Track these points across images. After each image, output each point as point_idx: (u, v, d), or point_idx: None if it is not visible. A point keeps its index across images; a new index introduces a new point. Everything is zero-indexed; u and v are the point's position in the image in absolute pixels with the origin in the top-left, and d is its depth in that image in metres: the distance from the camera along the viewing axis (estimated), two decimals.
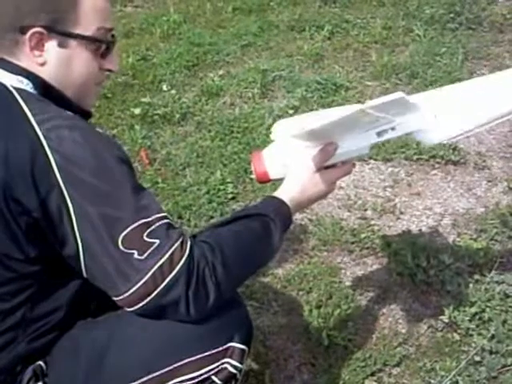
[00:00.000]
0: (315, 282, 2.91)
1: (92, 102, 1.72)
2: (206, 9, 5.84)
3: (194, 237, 1.52)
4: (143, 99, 4.36)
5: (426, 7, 5.74)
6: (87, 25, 1.53)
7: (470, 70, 4.69)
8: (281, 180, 1.84)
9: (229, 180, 3.49)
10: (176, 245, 1.41)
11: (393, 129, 1.79)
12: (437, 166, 3.72)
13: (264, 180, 1.87)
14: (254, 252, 1.62)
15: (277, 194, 1.75)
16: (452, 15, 5.56)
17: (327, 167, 1.79)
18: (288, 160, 1.81)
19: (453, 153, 3.77)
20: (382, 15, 5.69)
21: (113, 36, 1.64)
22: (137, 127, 4.00)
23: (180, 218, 3.27)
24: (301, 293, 2.88)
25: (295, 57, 4.97)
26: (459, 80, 4.37)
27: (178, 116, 4.13)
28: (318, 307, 2.78)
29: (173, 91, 4.45)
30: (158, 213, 1.44)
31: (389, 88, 4.33)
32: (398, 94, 1.53)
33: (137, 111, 4.19)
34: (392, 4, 5.94)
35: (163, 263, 1.38)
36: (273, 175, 1.84)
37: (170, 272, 1.39)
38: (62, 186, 1.37)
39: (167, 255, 1.39)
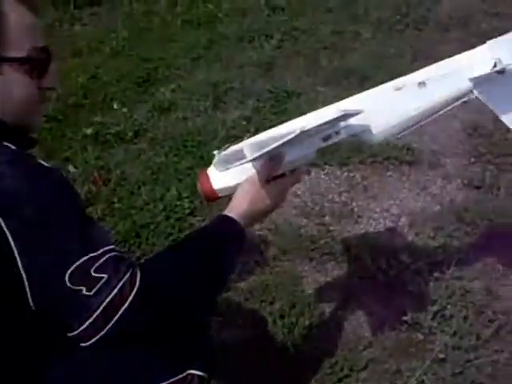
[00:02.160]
0: (278, 292, 2.91)
1: (38, 122, 1.65)
2: (155, 23, 5.83)
3: (142, 265, 1.50)
4: (95, 119, 4.33)
5: (373, 10, 5.80)
6: (18, 46, 1.46)
7: (418, 69, 4.70)
8: (229, 196, 1.82)
9: (185, 195, 3.48)
10: (125, 278, 1.37)
11: (337, 132, 1.79)
12: (391, 167, 3.74)
13: (212, 198, 1.85)
14: (206, 274, 1.58)
15: (227, 211, 1.72)
16: (399, 17, 5.63)
17: (276, 177, 1.78)
18: (234, 175, 1.79)
19: (407, 153, 3.80)
20: (330, 20, 5.72)
21: (48, 53, 1.55)
22: (89, 148, 3.97)
23: (138, 237, 3.25)
24: (264, 304, 2.86)
25: (246, 67, 4.97)
26: None
27: (130, 134, 4.11)
28: (282, 317, 2.77)
29: (124, 109, 4.42)
30: (106, 245, 1.39)
31: (340, 92, 4.33)
32: (339, 112, 1.53)
33: (89, 131, 4.16)
34: (340, 9, 5.98)
35: (113, 298, 1.34)
36: (220, 192, 1.83)
37: (121, 305, 1.35)
38: (2, 222, 1.31)
39: (116, 289, 1.35)
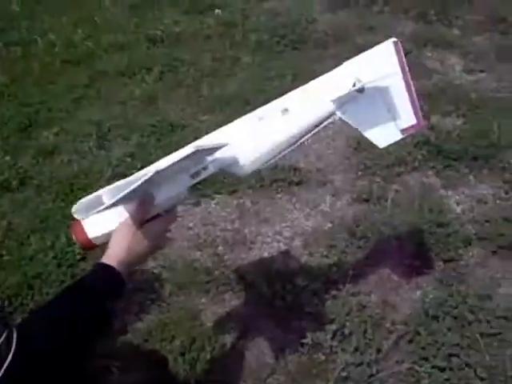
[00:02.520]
0: (176, 329, 2.89)
1: None
2: (34, 66, 5.71)
3: (20, 325, 1.46)
4: None
5: (251, 34, 5.84)
6: None
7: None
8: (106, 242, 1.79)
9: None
10: (1, 340, 1.34)
11: (205, 168, 1.78)
12: (280, 189, 3.77)
13: (89, 247, 1.80)
14: (84, 326, 1.55)
15: (105, 259, 1.69)
16: (277, 39, 5.70)
17: (151, 219, 1.77)
18: (108, 221, 1.77)
19: (294, 174, 3.84)
20: (209, 48, 5.74)
21: None
22: None
23: (31, 288, 3.16)
24: (164, 343, 2.84)
25: (128, 102, 4.93)
26: None
27: (15, 182, 4.00)
28: (183, 354, 2.76)
29: (7, 157, 4.30)
30: None
31: (223, 120, 4.32)
32: (191, 149, 1.52)
33: None
34: (218, 36, 6.01)
35: None
36: (97, 240, 1.79)
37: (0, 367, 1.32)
38: None
39: None
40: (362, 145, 4.00)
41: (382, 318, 2.87)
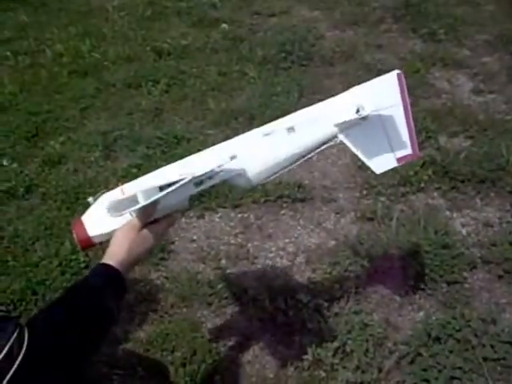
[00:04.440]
0: (178, 341, 2.89)
1: None
2: (42, 76, 5.73)
3: (28, 323, 1.47)
4: None
5: (258, 49, 5.85)
6: None
7: (305, 105, 4.73)
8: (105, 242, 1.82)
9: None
10: (13, 338, 1.35)
11: (210, 178, 1.84)
12: (285, 205, 3.77)
13: (88, 246, 1.84)
14: (89, 324, 1.57)
15: (106, 259, 1.72)
16: (284, 54, 5.70)
17: (151, 222, 1.80)
18: (110, 222, 1.79)
19: (298, 190, 3.84)
20: (216, 62, 5.76)
21: None
22: None
23: (35, 294, 3.17)
24: (165, 353, 2.84)
25: (135, 114, 4.95)
26: None
27: (21, 190, 4.02)
28: (184, 365, 2.76)
29: (14, 165, 4.33)
30: None
31: (229, 134, 4.33)
32: (215, 167, 1.62)
33: None
34: (225, 50, 6.02)
35: (2, 359, 1.31)
36: (96, 239, 1.82)
37: (11, 366, 1.32)
38: None
39: (6, 350, 1.32)
40: None
41: (384, 337, 2.87)
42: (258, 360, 2.83)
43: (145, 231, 1.77)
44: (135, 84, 5.42)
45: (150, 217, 1.79)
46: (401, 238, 3.39)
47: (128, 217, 1.77)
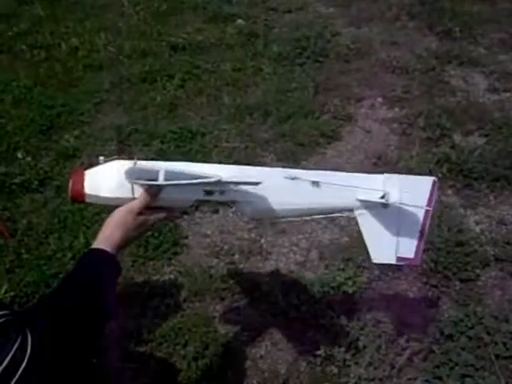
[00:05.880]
0: (190, 335, 2.90)
1: None
2: (56, 70, 5.73)
3: (29, 312, 1.47)
4: None
5: (273, 45, 5.83)
6: None
7: (321, 102, 4.78)
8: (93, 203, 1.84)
9: (93, 242, 3.41)
10: (16, 345, 1.34)
11: (221, 192, 1.85)
12: None
13: (77, 200, 1.83)
14: (89, 308, 1.58)
15: (101, 242, 1.73)
16: (299, 50, 5.67)
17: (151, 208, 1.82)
18: (111, 189, 1.80)
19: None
20: (231, 57, 5.74)
21: None
22: None
23: (48, 287, 3.19)
24: (177, 347, 2.86)
25: (149, 108, 4.94)
26: (312, 113, 4.47)
27: (36, 183, 4.03)
28: (196, 359, 2.77)
29: (28, 158, 4.33)
30: None
31: (244, 129, 4.34)
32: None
33: None
34: (240, 45, 6.00)
35: (7, 366, 1.31)
36: (89, 198, 1.82)
37: (15, 372, 1.32)
38: None
39: (9, 356, 1.32)
40: (383, 159, 4.00)
41: (397, 334, 2.87)
42: (270, 355, 2.84)
43: (141, 217, 1.78)
44: (150, 79, 5.41)
45: (150, 202, 1.79)
46: None
47: (129, 192, 1.79)
